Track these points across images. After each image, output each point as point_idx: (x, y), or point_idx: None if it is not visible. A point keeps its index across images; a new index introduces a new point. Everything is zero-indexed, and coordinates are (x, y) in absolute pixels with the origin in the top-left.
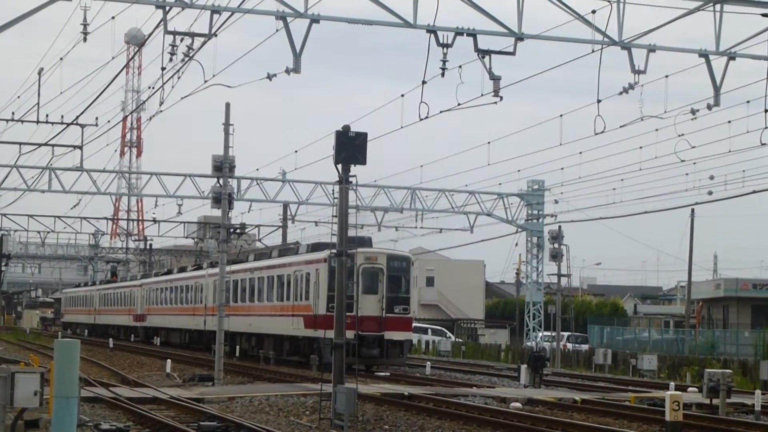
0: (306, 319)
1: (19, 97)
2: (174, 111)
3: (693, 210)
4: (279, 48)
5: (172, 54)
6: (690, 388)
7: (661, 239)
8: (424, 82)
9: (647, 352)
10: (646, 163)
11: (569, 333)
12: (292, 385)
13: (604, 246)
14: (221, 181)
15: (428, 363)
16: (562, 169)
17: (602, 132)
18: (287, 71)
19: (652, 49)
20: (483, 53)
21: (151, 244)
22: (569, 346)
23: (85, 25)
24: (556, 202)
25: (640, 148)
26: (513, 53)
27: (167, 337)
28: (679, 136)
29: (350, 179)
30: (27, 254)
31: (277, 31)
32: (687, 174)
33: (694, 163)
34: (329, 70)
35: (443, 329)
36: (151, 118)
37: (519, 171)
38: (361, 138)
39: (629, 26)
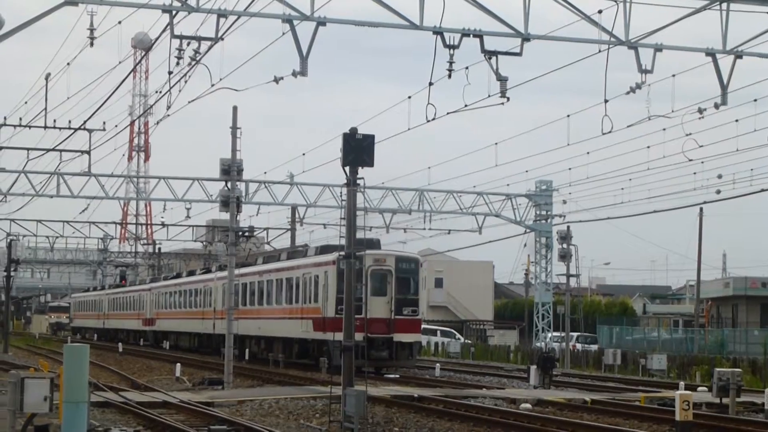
0: (315, 321)
1: (26, 102)
2: (181, 115)
3: (701, 209)
4: (285, 51)
5: (179, 58)
6: (700, 388)
7: (669, 238)
8: (431, 84)
9: (657, 352)
10: (654, 163)
11: (578, 333)
12: (301, 388)
13: (612, 246)
14: (229, 184)
15: (437, 365)
16: (569, 169)
17: (609, 132)
18: (294, 74)
19: (658, 48)
20: (490, 54)
21: (159, 248)
22: (578, 346)
23: (91, 29)
24: (565, 202)
25: (648, 147)
26: (520, 54)
27: (176, 340)
28: (687, 135)
29: (358, 181)
30: (36, 259)
31: (283, 34)
32: (695, 173)
33: (702, 162)
34: (336, 73)
35: (452, 331)
36: (158, 122)
37: (527, 171)
38: (369, 140)
39: (636, 26)
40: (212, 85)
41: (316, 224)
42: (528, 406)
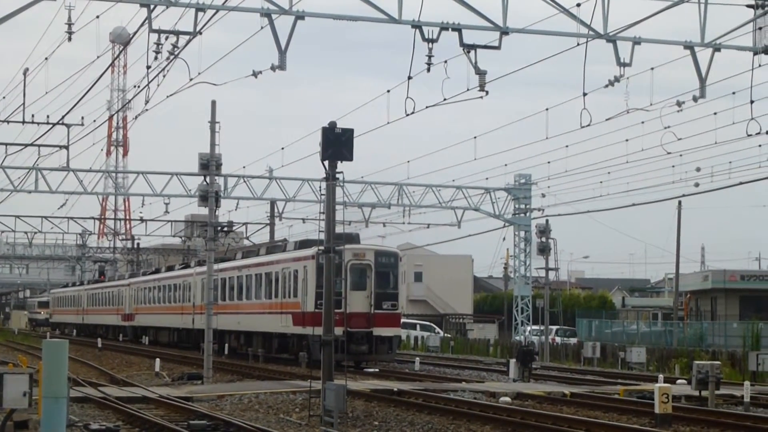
0: (294, 316)
1: (4, 97)
2: (160, 110)
3: (680, 202)
4: (264, 45)
5: (157, 52)
6: (679, 381)
7: (648, 231)
8: (410, 78)
9: (636, 345)
10: (633, 156)
11: (558, 327)
12: (281, 383)
13: (591, 239)
14: (208, 179)
15: (417, 358)
16: (548, 162)
17: (588, 125)
18: (272, 68)
19: (637, 41)
20: (468, 48)
21: (138, 244)
22: (558, 339)
23: (69, 24)
24: (543, 196)
25: (627, 140)
26: (498, 47)
27: (156, 336)
28: (665, 128)
29: (337, 176)
30: (14, 255)
31: (262, 28)
32: (673, 166)
33: (681, 155)
34: (315, 67)
35: (432, 324)
36: (136, 117)
37: (506, 165)
38: (348, 134)
39: (614, 19)
40: (191, 80)
41: (295, 219)
42: (507, 399)
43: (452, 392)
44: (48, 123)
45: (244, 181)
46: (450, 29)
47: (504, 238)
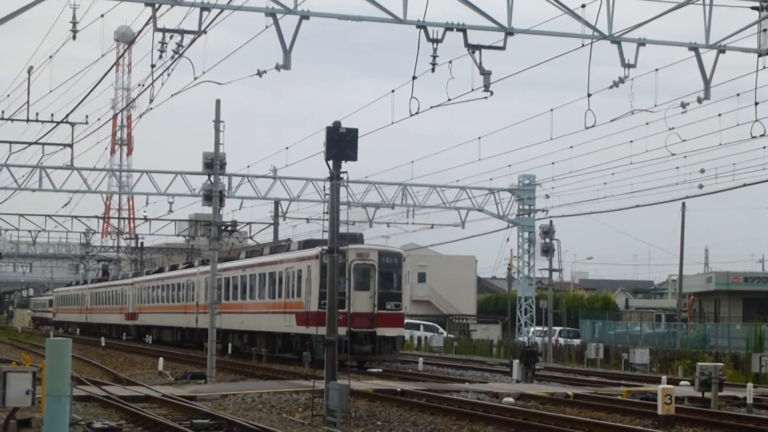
0: (298, 316)
1: (8, 95)
2: (164, 108)
3: (684, 203)
4: (269, 45)
5: (162, 51)
6: (682, 382)
7: (652, 233)
8: (414, 78)
9: (639, 346)
10: (637, 157)
11: (561, 328)
12: (284, 382)
13: (595, 240)
14: (212, 178)
15: (420, 359)
16: (552, 163)
17: (593, 126)
18: (277, 68)
19: (641, 42)
20: (473, 48)
21: (142, 243)
22: (561, 340)
23: (74, 23)
24: (547, 196)
25: (631, 142)
26: (503, 48)
27: (159, 335)
28: (670, 129)
29: (341, 175)
30: (18, 253)
31: (266, 27)
32: (678, 167)
33: (685, 157)
34: (320, 67)
35: (435, 325)
36: (141, 116)
37: (510, 166)
38: (352, 134)
39: (619, 20)
40: (195, 79)
41: (299, 218)
42: (510, 400)
43: (455, 393)
44: (52, 121)
45: (248, 181)
46: (455, 29)
47: (508, 239)
